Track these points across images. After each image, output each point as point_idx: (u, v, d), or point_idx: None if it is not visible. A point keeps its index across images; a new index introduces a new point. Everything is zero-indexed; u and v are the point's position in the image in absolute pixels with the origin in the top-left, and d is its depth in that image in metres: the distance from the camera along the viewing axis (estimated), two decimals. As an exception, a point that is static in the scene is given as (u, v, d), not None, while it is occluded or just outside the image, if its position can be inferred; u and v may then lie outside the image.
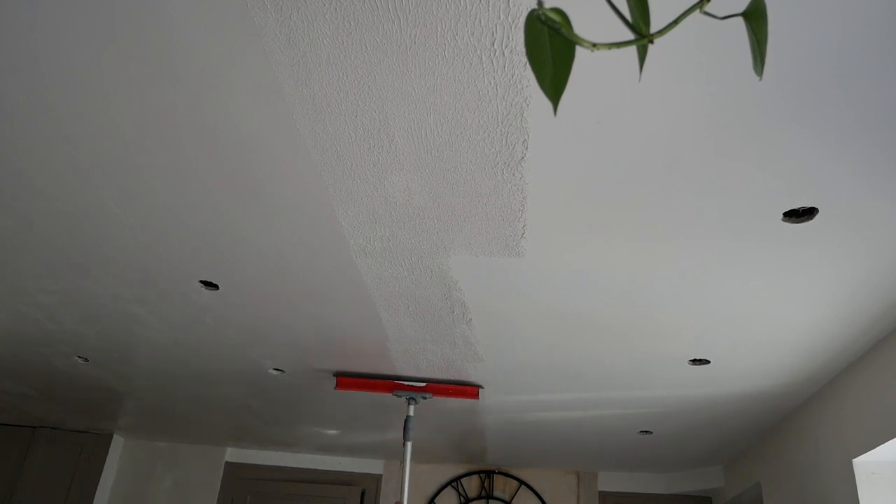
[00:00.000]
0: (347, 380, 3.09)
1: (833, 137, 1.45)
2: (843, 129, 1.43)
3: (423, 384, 3.05)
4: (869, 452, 2.58)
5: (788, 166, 1.55)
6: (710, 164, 1.56)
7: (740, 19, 0.70)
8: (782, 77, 1.30)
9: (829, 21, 1.18)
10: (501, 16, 1.21)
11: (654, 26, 0.62)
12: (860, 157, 1.51)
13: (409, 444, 3.03)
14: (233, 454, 5.01)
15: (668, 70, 1.30)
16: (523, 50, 1.29)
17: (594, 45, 0.59)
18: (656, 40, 0.60)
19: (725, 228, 1.81)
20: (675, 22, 0.63)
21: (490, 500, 4.86)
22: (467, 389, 3.09)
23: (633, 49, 1.25)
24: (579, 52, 0.61)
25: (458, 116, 1.46)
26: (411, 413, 3.09)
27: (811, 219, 1.73)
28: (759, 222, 1.77)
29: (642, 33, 0.61)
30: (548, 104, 1.40)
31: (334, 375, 3.11)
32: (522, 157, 1.58)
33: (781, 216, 1.74)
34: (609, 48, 0.59)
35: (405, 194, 1.77)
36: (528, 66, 1.31)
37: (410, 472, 4.99)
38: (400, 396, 3.09)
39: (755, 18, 0.66)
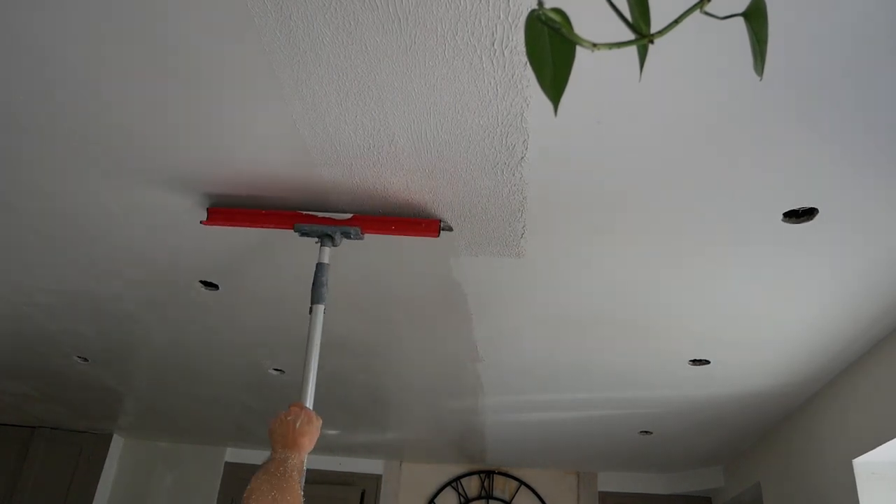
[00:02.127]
0: (224, 211, 1.90)
1: (833, 138, 1.45)
2: (843, 129, 1.42)
3: (349, 215, 1.88)
4: (869, 452, 2.58)
5: (788, 166, 1.55)
6: (710, 164, 1.56)
7: (741, 19, 0.70)
8: (782, 77, 1.30)
9: (830, 21, 1.18)
10: (501, 16, 1.21)
11: (655, 26, 0.62)
12: (861, 157, 1.50)
13: (320, 309, 1.79)
14: (233, 454, 5.01)
15: (668, 70, 1.30)
16: (523, 50, 1.28)
17: (594, 45, 0.59)
18: (657, 40, 0.60)
19: (725, 229, 1.81)
20: (676, 22, 0.63)
21: (490, 501, 4.86)
22: (421, 223, 1.89)
23: (633, 49, 1.25)
24: (580, 52, 0.61)
25: (458, 116, 1.46)
26: (325, 259, 1.86)
27: (811, 219, 1.73)
28: (759, 222, 1.77)
29: (642, 33, 0.61)
30: (548, 104, 1.40)
31: (207, 208, 1.91)
32: (522, 158, 1.58)
33: (781, 216, 1.74)
34: (609, 48, 0.59)
35: (405, 194, 1.76)
36: (528, 66, 1.31)
37: (409, 471, 4.98)
38: (307, 235, 1.87)
39: (755, 18, 0.66)
